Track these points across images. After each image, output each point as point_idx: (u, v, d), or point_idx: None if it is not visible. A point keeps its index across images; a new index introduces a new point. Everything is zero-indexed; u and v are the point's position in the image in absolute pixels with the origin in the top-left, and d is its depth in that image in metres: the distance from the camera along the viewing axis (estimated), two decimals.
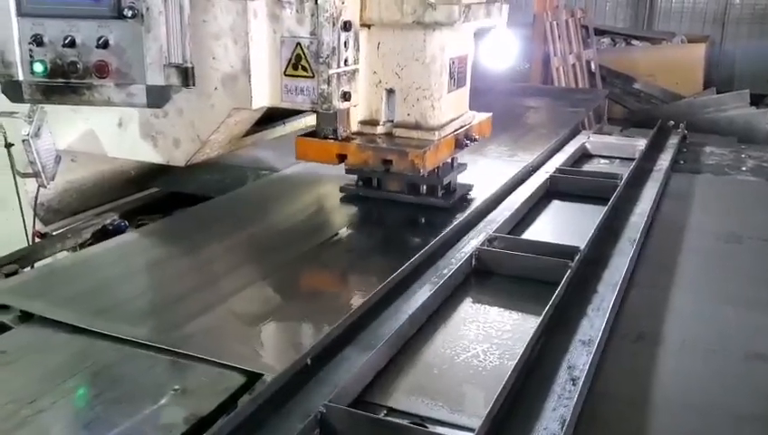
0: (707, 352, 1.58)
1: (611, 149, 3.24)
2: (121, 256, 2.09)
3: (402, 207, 2.46)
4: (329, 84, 2.17)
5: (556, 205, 2.53)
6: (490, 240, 2.04)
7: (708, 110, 6.35)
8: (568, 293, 1.77)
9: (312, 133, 2.45)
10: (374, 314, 1.68)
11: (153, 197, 3.03)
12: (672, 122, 3.76)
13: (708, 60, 9.04)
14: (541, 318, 1.57)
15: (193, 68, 2.06)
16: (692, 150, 3.26)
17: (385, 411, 1.36)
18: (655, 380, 1.47)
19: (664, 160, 3.01)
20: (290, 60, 2.22)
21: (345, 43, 2.24)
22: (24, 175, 2.59)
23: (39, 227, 2.70)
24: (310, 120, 3.22)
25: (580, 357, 1.49)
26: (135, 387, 1.45)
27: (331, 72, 2.16)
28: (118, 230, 2.75)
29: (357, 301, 1.72)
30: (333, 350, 1.52)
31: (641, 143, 3.24)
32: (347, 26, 2.22)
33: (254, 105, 2.24)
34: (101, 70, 2.04)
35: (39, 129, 2.40)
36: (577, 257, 1.91)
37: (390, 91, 2.42)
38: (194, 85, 2.08)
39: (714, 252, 2.10)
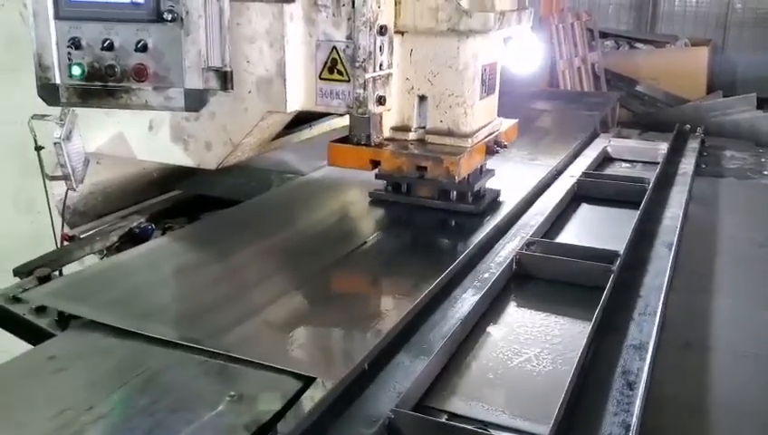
0: (757, 356, 1.59)
1: (633, 152, 3.25)
2: (156, 260, 2.08)
3: (432, 212, 2.46)
4: (365, 89, 2.17)
5: (585, 208, 2.53)
6: (528, 244, 2.05)
7: (715, 113, 6.38)
8: (612, 297, 1.78)
9: (343, 139, 2.46)
10: (421, 319, 1.69)
11: (178, 199, 3.02)
12: (688, 126, 3.78)
13: (711, 63, 9.08)
14: (592, 323, 1.58)
15: (232, 72, 2.06)
16: (712, 154, 3.28)
17: (446, 416, 1.36)
18: (709, 386, 1.47)
19: (686, 164, 3.02)
20: (325, 63, 2.22)
21: (380, 47, 2.24)
22: (53, 178, 2.58)
23: (66, 230, 2.70)
24: (335, 123, 3.24)
25: (633, 362, 1.50)
26: (190, 393, 1.45)
27: (367, 76, 2.16)
28: (144, 233, 2.75)
29: (402, 306, 1.72)
30: (387, 355, 1.52)
31: (662, 147, 3.26)
32: (383, 31, 2.23)
33: (288, 109, 2.24)
34: (140, 73, 2.04)
35: (70, 132, 2.39)
36: (618, 262, 1.92)
37: (422, 98, 2.43)
38: (232, 89, 2.08)
39: (748, 256, 2.12)
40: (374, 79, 2.21)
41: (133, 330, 1.61)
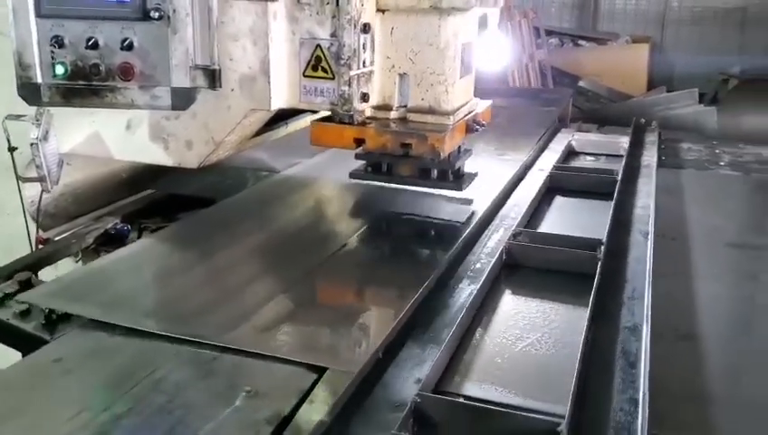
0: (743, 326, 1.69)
1: (596, 146, 3.37)
2: (145, 260, 2.07)
3: (414, 196, 2.49)
4: (349, 86, 2.20)
5: (560, 200, 2.62)
6: (515, 235, 2.11)
7: (658, 108, 6.62)
8: (600, 283, 1.86)
9: (326, 118, 2.46)
10: (423, 309, 1.73)
11: (151, 199, 2.98)
12: (643, 120, 3.93)
13: (651, 60, 9.41)
14: (589, 308, 1.65)
15: (220, 70, 2.06)
16: (670, 147, 3.42)
17: (462, 399, 1.41)
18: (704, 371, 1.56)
19: (648, 156, 3.16)
20: (309, 61, 2.24)
21: (364, 45, 2.28)
22: (26, 179, 2.52)
23: (39, 232, 2.64)
24: (309, 120, 3.24)
25: (630, 343, 1.57)
26: (205, 390, 1.46)
27: (352, 73, 2.19)
28: (121, 234, 2.71)
29: (406, 296, 1.76)
30: (397, 345, 1.56)
31: (623, 140, 3.39)
32: (366, 29, 2.26)
33: (272, 106, 2.25)
34: (126, 72, 2.02)
35: (47, 132, 2.34)
36: (601, 249, 2.01)
37: (403, 76, 2.45)
38: (220, 87, 2.09)
39: (717, 243, 2.24)
40: (358, 76, 2.24)
41: (140, 328, 1.61)
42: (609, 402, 1.36)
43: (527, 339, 1.64)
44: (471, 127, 2.52)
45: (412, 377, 1.44)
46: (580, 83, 8.98)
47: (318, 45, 2.22)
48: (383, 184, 2.55)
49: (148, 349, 1.57)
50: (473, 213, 2.44)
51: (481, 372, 1.50)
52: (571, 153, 3.29)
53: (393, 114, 2.47)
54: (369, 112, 2.47)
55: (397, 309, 1.69)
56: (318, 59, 2.23)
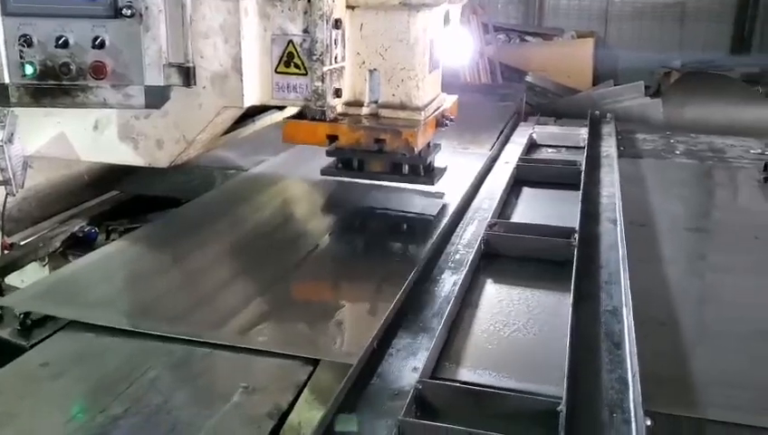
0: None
1: (556, 138, 3.45)
2: (122, 262, 2.03)
3: (386, 191, 2.52)
4: (323, 81, 2.21)
5: (527, 191, 2.68)
6: (490, 225, 2.16)
7: (606, 101, 6.79)
8: (577, 269, 1.92)
9: (298, 115, 2.46)
10: (410, 299, 1.76)
11: (117, 200, 2.93)
12: (597, 112, 4.05)
13: (595, 55, 9.63)
14: (571, 293, 1.71)
15: (194, 67, 2.05)
16: (626, 138, 3.53)
17: (458, 385, 1.44)
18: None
19: (608, 147, 3.25)
20: (281, 57, 2.24)
21: (335, 40, 2.29)
22: None
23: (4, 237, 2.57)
24: (276, 117, 3.23)
25: (613, 325, 1.63)
26: (201, 388, 1.45)
27: (325, 69, 2.20)
28: (88, 238, 2.66)
29: (394, 288, 1.78)
30: (388, 335, 1.59)
31: (582, 132, 3.48)
32: (338, 24, 2.27)
33: (245, 103, 2.25)
34: (98, 71, 1.99)
35: (12, 134, 2.28)
36: (575, 236, 2.07)
37: (373, 72, 2.47)
38: (195, 84, 2.07)
39: (682, 226, 2.33)
40: (331, 72, 2.25)
41: (128, 328, 1.59)
42: (600, 382, 1.41)
43: (513, 325, 1.68)
44: (441, 122, 2.56)
45: (408, 366, 1.46)
46: (527, 78, 9.12)
47: (290, 41, 2.22)
48: (354, 180, 2.58)
49: (138, 349, 1.56)
50: (444, 206, 2.48)
51: (473, 358, 1.54)
52: (533, 145, 3.37)
53: (365, 110, 2.48)
54: (340, 109, 2.49)
55: (385, 301, 1.71)
56: (290, 55, 2.23)
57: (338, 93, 2.30)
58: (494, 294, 1.84)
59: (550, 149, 3.33)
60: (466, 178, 2.71)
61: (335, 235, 2.28)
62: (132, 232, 2.24)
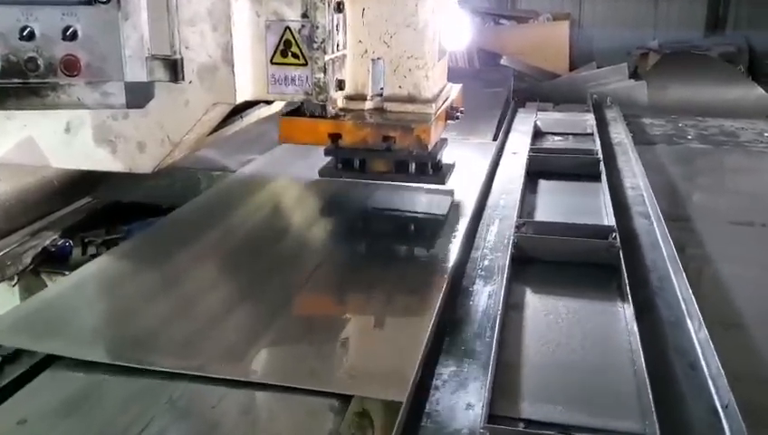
0: None
1: (562, 125, 3.26)
2: (108, 284, 1.77)
3: (389, 190, 2.30)
4: (325, 72, 1.97)
5: (544, 184, 2.48)
6: (518, 226, 1.95)
7: (590, 84, 6.63)
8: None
9: (294, 111, 2.23)
10: (445, 317, 1.55)
11: (91, 208, 2.67)
12: (595, 96, 3.87)
13: (572, 36, 9.49)
14: (630, 304, 1.51)
15: (182, 60, 1.80)
16: (633, 123, 3.35)
17: (523, 425, 1.23)
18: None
19: (617, 133, 3.07)
20: (277, 46, 1.99)
21: (337, 25, 2.06)
22: None
23: None
24: (264, 112, 2.98)
25: (681, 340, 1.44)
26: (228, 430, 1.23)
27: (327, 58, 1.97)
28: (62, 252, 2.40)
29: (423, 305, 1.58)
30: (430, 362, 1.37)
31: (587, 118, 3.30)
32: (340, 7, 2.04)
33: (237, 99, 2.00)
34: (71, 66, 1.73)
35: None
36: (615, 236, 1.88)
37: (377, 62, 2.25)
38: (183, 79, 1.82)
39: (725, 219, 2.15)
40: (333, 61, 2.02)
41: (126, 364, 1.36)
42: (687, 414, 1.22)
43: (567, 344, 1.48)
44: (451, 114, 2.35)
45: (460, 402, 1.25)
46: (502, 61, 8.94)
47: (287, 28, 1.98)
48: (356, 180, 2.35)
49: (137, 392, 1.32)
50: (455, 203, 2.27)
51: (531, 388, 1.33)
52: (537, 133, 3.17)
53: (368, 104, 2.26)
54: (341, 103, 2.26)
55: (418, 321, 1.50)
56: (287, 43, 1.99)
57: (341, 85, 2.07)
58: (537, 306, 1.63)
59: (556, 137, 3.13)
60: (476, 173, 2.50)
61: (343, 243, 2.06)
62: (115, 248, 1.98)
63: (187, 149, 2.26)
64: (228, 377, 1.33)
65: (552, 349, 1.46)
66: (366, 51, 2.22)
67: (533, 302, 1.65)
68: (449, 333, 1.48)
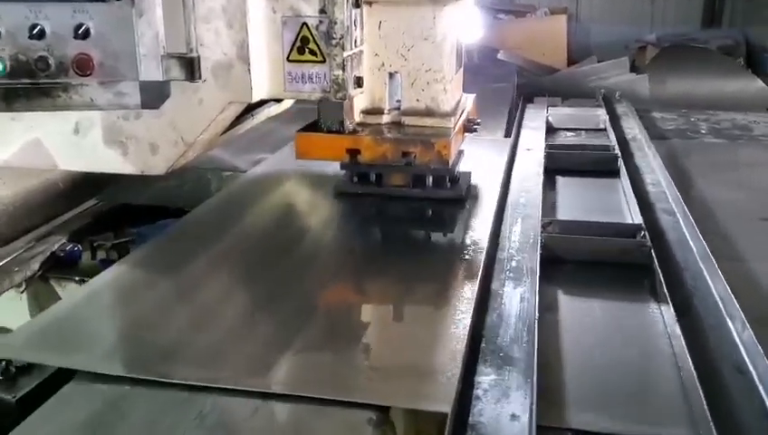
0: None
1: (574, 121, 3.21)
2: (128, 294, 1.70)
3: (407, 202, 2.25)
4: (343, 69, 1.91)
5: (562, 181, 2.43)
6: (545, 225, 1.90)
7: (591, 78, 6.60)
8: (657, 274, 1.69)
9: (310, 127, 2.19)
10: (478, 321, 1.50)
11: (98, 211, 2.60)
12: (603, 90, 3.83)
13: (569, 31, 9.45)
14: (671, 305, 1.47)
15: (199, 58, 1.74)
16: (644, 117, 3.31)
17: None
18: None
19: (630, 128, 3.02)
20: (294, 43, 1.94)
21: (355, 21, 2.00)
22: None
23: None
24: (273, 111, 2.93)
25: (724, 343, 1.40)
26: None
27: (345, 54, 1.91)
28: (71, 257, 2.34)
29: (450, 306, 1.53)
30: (468, 369, 1.32)
31: (599, 113, 3.26)
32: (357, 2, 1.99)
33: (254, 97, 1.94)
34: (84, 65, 1.66)
35: None
36: (645, 235, 1.84)
37: (393, 75, 2.21)
38: (200, 78, 1.76)
39: (752, 215, 2.11)
40: (351, 57, 1.96)
41: (153, 378, 1.30)
42: (737, 418, 1.17)
43: (606, 348, 1.43)
44: (468, 127, 2.30)
45: (504, 412, 1.20)
46: (499, 56, 8.89)
47: (304, 24, 1.92)
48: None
49: (162, 407, 1.26)
50: (472, 187, 2.25)
51: (575, 394, 1.28)
52: (549, 129, 3.12)
53: (385, 118, 2.22)
54: (358, 118, 2.22)
55: (453, 327, 1.44)
56: (304, 40, 1.93)
57: (359, 82, 2.01)
58: (570, 308, 1.58)
59: (569, 133, 3.09)
60: (494, 172, 2.45)
61: (364, 244, 2.01)
62: (129, 255, 1.91)
63: (201, 149, 2.20)
64: (260, 389, 1.27)
65: (592, 354, 1.41)
66: (383, 64, 2.18)
67: (567, 304, 1.61)
68: (485, 338, 1.43)
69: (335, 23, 1.88)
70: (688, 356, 1.33)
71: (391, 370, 1.35)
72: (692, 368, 1.29)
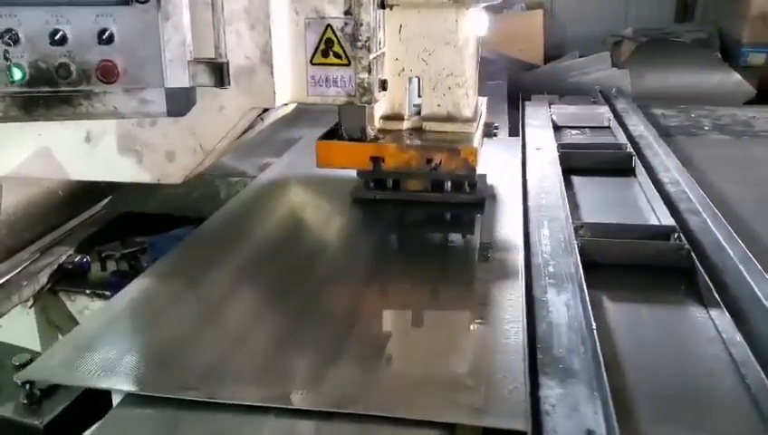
0: None
1: (578, 119, 3.19)
2: (157, 309, 1.62)
3: (427, 207, 2.21)
4: (369, 72, 1.86)
5: (578, 181, 2.41)
6: (576, 228, 1.88)
7: (573, 73, 6.62)
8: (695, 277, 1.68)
9: (330, 134, 2.13)
10: (529, 332, 1.47)
11: (103, 220, 2.52)
12: (598, 87, 3.83)
13: (545, 26, 9.47)
14: (725, 310, 1.45)
15: (228, 63, 1.67)
16: (645, 114, 3.30)
17: None
18: None
19: (634, 125, 3.02)
20: (318, 45, 1.89)
21: (379, 22, 1.95)
22: None
23: None
24: (281, 113, 2.86)
25: None
26: None
27: (371, 57, 1.86)
28: (80, 269, 2.25)
29: (500, 319, 1.49)
30: (531, 382, 1.29)
31: (603, 110, 3.25)
32: (383, 3, 1.94)
33: (277, 102, 1.89)
34: (108, 73, 1.58)
35: None
36: (677, 236, 1.82)
37: (414, 80, 2.17)
38: (229, 84, 1.69)
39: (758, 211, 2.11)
40: (376, 60, 1.91)
41: (205, 399, 1.24)
42: None
43: (664, 357, 1.40)
44: (488, 132, 2.27)
45: (578, 427, 1.17)
46: (481, 53, 8.85)
47: (328, 26, 1.87)
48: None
49: (218, 431, 1.21)
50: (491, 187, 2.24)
51: (643, 407, 1.25)
52: (554, 128, 3.10)
53: (406, 124, 2.18)
54: (378, 124, 2.17)
55: (505, 338, 1.41)
56: (329, 42, 1.88)
57: (384, 86, 1.96)
58: (619, 315, 1.55)
59: (573, 131, 3.07)
60: (510, 172, 2.43)
61: (390, 250, 1.97)
62: (149, 269, 1.82)
63: (216, 157, 2.14)
64: (322, 409, 1.22)
65: (649, 362, 1.38)
66: (403, 69, 2.13)
67: (614, 311, 1.57)
68: (540, 349, 1.39)
69: (361, 24, 1.83)
70: (755, 362, 1.31)
71: (449, 384, 1.31)
72: (761, 374, 1.27)
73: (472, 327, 1.51)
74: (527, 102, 3.61)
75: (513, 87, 5.92)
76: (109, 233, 2.45)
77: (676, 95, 5.64)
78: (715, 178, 2.31)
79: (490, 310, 1.55)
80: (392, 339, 1.50)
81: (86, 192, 2.56)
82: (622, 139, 2.77)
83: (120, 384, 1.30)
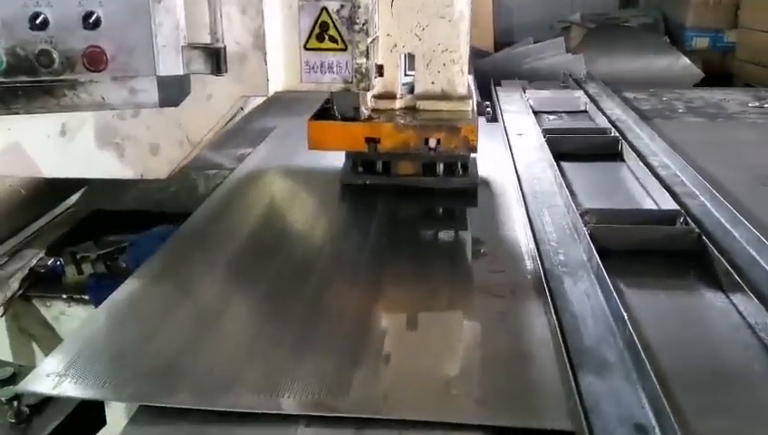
0: None
1: (555, 104, 3.17)
2: (151, 314, 1.51)
3: (420, 192, 2.15)
4: (367, 57, 1.78)
5: (569, 167, 2.37)
6: (582, 214, 1.84)
7: (528, 60, 6.62)
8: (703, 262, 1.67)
9: (322, 115, 2.04)
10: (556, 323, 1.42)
11: (73, 219, 2.37)
12: (566, 72, 3.83)
13: (494, 12, 9.48)
14: (751, 296, 1.43)
15: (225, 48, 1.56)
16: (621, 98, 3.30)
17: None
18: None
19: (611, 109, 3.02)
20: (312, 29, 1.79)
21: (376, 5, 1.87)
22: None
23: None
24: (259, 99, 2.74)
25: None
26: None
27: (369, 41, 1.78)
28: (53, 272, 2.11)
29: (521, 311, 1.45)
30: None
31: (578, 94, 3.24)
32: None
33: (270, 90, 1.78)
34: (95, 60, 1.46)
35: None
36: (684, 220, 1.81)
37: (407, 57, 2.10)
38: (226, 71, 1.59)
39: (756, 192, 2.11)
40: (373, 44, 1.84)
41: (224, 409, 1.15)
42: None
43: (696, 344, 1.37)
44: (481, 110, 2.23)
45: (626, 421, 1.12)
46: None
47: (323, 9, 1.77)
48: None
49: None
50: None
51: (686, 399, 1.21)
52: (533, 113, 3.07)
53: (398, 103, 2.11)
54: (371, 103, 2.09)
55: (529, 331, 1.36)
56: (324, 26, 1.79)
57: (380, 71, 1.89)
58: (641, 303, 1.50)
59: (551, 116, 3.05)
60: (499, 158, 2.39)
61: (387, 241, 1.89)
62: (138, 271, 1.70)
63: (202, 148, 2.02)
64: (360, 415, 1.15)
65: (683, 350, 1.36)
66: (395, 45, 2.06)
67: (635, 298, 1.53)
68: (568, 341, 1.34)
69: (358, 6, 1.74)
70: None
71: (486, 383, 1.25)
72: None
73: (495, 321, 1.46)
74: (498, 88, 3.57)
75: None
76: (80, 233, 2.30)
77: (628, 79, 5.71)
78: (702, 161, 2.31)
79: (509, 303, 1.50)
80: (416, 338, 1.43)
81: (52, 189, 2.41)
82: (603, 123, 2.75)
83: (129, 397, 1.19)
